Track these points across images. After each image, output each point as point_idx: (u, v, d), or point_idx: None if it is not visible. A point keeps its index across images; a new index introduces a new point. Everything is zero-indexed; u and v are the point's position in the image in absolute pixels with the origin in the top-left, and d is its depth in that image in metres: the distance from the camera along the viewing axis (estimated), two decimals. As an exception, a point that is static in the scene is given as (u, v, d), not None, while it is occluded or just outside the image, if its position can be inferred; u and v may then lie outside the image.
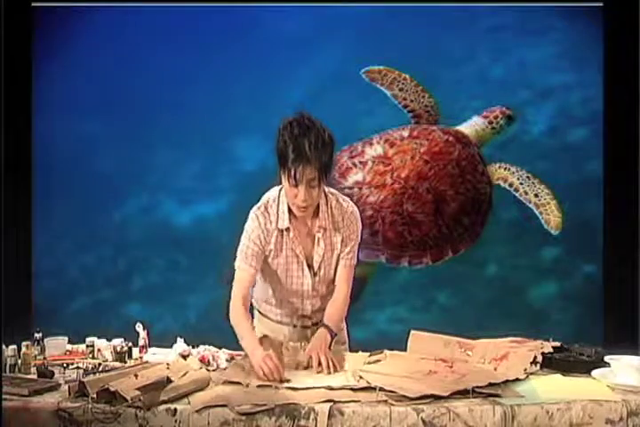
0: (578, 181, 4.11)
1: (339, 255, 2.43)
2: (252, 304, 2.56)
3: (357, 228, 2.44)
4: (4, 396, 1.95)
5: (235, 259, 2.42)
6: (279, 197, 2.39)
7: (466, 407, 1.91)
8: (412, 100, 4.01)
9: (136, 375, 1.97)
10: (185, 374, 2.04)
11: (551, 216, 3.85)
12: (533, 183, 3.88)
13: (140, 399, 1.89)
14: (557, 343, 2.36)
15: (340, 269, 2.44)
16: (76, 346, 2.48)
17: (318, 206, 2.38)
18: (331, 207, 2.41)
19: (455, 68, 4.24)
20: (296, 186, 2.24)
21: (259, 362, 2.13)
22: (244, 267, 2.38)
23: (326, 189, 2.41)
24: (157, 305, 4.40)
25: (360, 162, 3.93)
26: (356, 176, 3.92)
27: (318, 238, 2.40)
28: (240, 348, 2.36)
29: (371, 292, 4.00)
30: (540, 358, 2.23)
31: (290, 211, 2.36)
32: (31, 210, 4.06)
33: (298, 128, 2.21)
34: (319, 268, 2.42)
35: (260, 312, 2.58)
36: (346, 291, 2.44)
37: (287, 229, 2.38)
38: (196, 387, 2.02)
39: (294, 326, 2.50)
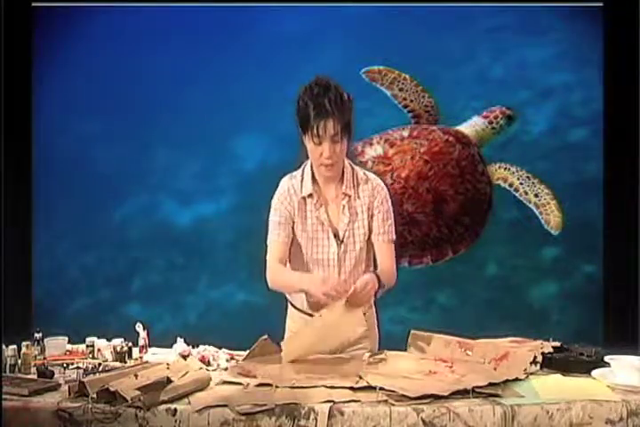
0: (578, 181, 4.11)
1: (365, 229, 2.43)
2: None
3: (387, 200, 2.47)
4: (4, 396, 1.95)
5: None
6: (303, 168, 2.45)
7: (466, 407, 1.91)
8: (411, 100, 4.01)
9: (136, 375, 1.96)
10: (185, 374, 2.04)
11: (551, 216, 3.85)
12: (533, 183, 3.88)
13: (139, 399, 1.88)
14: (557, 343, 2.35)
15: (379, 246, 2.45)
16: (75, 346, 2.48)
17: (343, 175, 2.42)
18: (356, 177, 2.45)
19: (455, 68, 4.24)
20: (320, 143, 2.30)
21: (323, 292, 2.19)
22: (274, 238, 2.40)
23: (351, 162, 2.46)
24: (157, 305, 4.41)
25: (360, 162, 3.93)
26: (355, 176, 3.92)
27: (343, 206, 2.42)
28: (240, 348, 2.37)
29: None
30: (539, 358, 2.23)
31: (313, 179, 2.41)
32: (31, 210, 4.06)
33: (317, 88, 2.30)
34: (344, 236, 2.42)
35: (291, 304, 2.56)
36: (389, 264, 2.43)
37: (310, 196, 2.41)
38: (196, 387, 2.02)
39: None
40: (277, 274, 2.39)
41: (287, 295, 2.56)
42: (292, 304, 2.56)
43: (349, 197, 2.43)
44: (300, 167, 2.48)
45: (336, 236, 2.42)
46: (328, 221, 2.42)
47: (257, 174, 4.47)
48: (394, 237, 2.48)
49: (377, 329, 2.57)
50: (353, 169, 2.46)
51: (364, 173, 2.48)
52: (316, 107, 2.27)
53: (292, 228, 2.42)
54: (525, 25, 4.21)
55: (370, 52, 4.14)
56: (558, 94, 4.27)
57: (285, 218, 2.41)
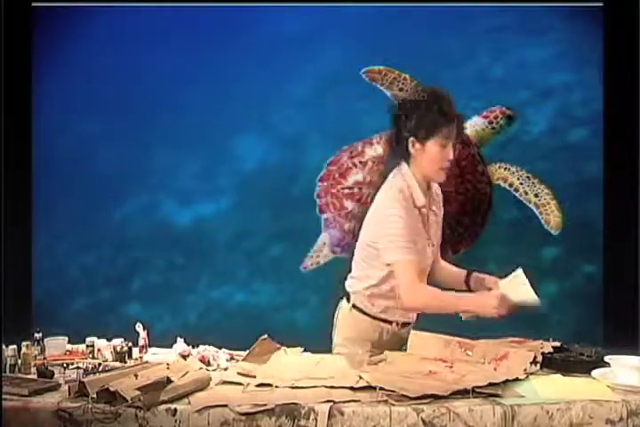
0: (578, 181, 4.11)
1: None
2: (348, 298, 2.52)
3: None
4: (4, 396, 1.95)
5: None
6: (404, 178, 2.40)
7: (466, 407, 1.91)
8: (411, 100, 4.00)
9: (136, 375, 1.97)
10: (185, 374, 2.04)
11: (551, 216, 3.84)
12: (533, 183, 3.87)
13: (139, 399, 1.88)
14: (557, 343, 2.36)
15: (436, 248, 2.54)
16: (75, 346, 2.48)
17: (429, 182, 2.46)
18: (433, 185, 2.51)
19: (455, 68, 4.24)
20: (446, 146, 2.35)
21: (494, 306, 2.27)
22: (409, 257, 2.31)
23: None
24: (157, 305, 4.41)
25: (360, 162, 3.92)
26: (356, 176, 3.91)
27: (433, 211, 2.47)
28: (240, 348, 2.36)
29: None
30: (539, 358, 2.23)
31: (420, 187, 2.41)
32: (31, 210, 4.06)
33: (440, 92, 2.39)
34: (435, 241, 2.49)
35: (356, 307, 2.50)
36: None
37: (423, 206, 2.41)
38: (196, 387, 2.02)
39: (396, 324, 2.47)
40: (430, 296, 2.32)
41: (360, 302, 2.50)
42: (358, 308, 2.50)
43: (435, 201, 2.49)
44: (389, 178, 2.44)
45: (431, 241, 2.47)
46: (429, 227, 2.46)
47: (257, 174, 4.47)
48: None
49: None
50: None
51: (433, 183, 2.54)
52: (447, 110, 2.34)
53: None
54: (525, 25, 4.21)
55: (370, 52, 4.14)
56: (558, 94, 4.27)
57: (412, 233, 2.33)
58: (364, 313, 2.49)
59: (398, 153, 2.41)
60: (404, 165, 2.41)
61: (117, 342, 2.40)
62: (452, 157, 2.37)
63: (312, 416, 1.89)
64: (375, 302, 2.47)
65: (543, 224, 3.84)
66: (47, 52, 4.14)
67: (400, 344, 2.44)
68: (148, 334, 2.45)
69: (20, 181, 3.92)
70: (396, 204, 2.34)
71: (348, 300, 2.53)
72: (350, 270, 2.55)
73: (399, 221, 2.32)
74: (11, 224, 3.40)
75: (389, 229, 2.32)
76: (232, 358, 2.33)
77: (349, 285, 2.54)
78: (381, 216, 2.36)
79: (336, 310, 2.59)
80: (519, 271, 2.33)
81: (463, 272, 2.56)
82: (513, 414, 1.91)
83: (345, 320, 2.54)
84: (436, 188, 2.53)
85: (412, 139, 2.36)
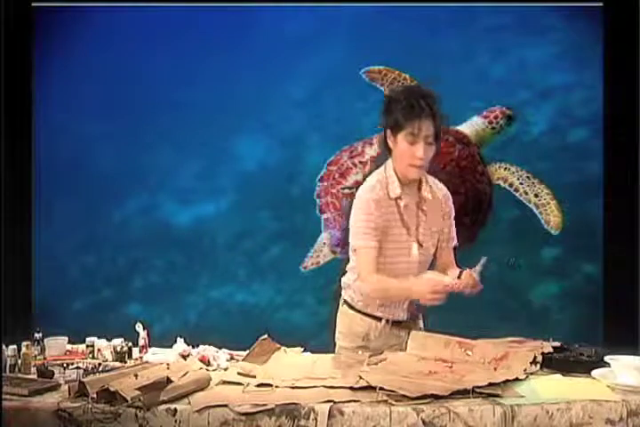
0: (578, 181, 4.11)
1: (439, 234, 2.49)
2: (340, 293, 2.55)
3: (452, 206, 2.54)
4: (4, 396, 1.95)
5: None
6: (385, 170, 2.43)
7: (466, 407, 1.91)
8: (411, 100, 4.00)
9: (136, 375, 1.97)
10: (185, 374, 2.04)
11: (551, 216, 3.84)
12: (533, 183, 3.87)
13: (139, 399, 1.88)
14: (557, 343, 2.36)
15: (447, 251, 2.51)
16: (75, 346, 2.48)
17: (420, 179, 2.45)
18: (430, 182, 2.48)
19: (455, 68, 4.24)
20: (414, 143, 2.33)
21: (427, 292, 2.27)
22: (366, 244, 2.36)
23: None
24: (157, 305, 4.41)
25: (360, 162, 3.93)
26: (356, 176, 3.92)
27: (423, 210, 2.45)
28: (240, 348, 2.36)
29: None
30: (539, 358, 2.23)
31: (399, 181, 2.41)
32: (32, 210, 4.06)
33: (416, 89, 2.43)
34: (424, 240, 2.45)
35: (347, 304, 2.53)
36: (455, 269, 2.45)
37: (399, 198, 2.41)
38: (196, 387, 2.02)
39: (386, 321, 2.47)
40: (379, 284, 2.37)
41: (348, 297, 2.53)
42: (348, 302, 2.53)
43: (426, 201, 2.46)
44: (374, 170, 2.47)
45: (417, 240, 2.44)
46: (411, 225, 2.43)
47: (257, 174, 4.47)
48: (457, 243, 2.54)
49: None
50: (426, 177, 2.49)
51: (434, 180, 2.52)
52: (416, 106, 2.32)
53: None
54: (525, 25, 4.21)
55: (370, 52, 4.14)
56: (558, 94, 4.27)
57: (377, 222, 2.37)
58: (353, 308, 2.52)
59: (383, 147, 2.45)
60: (389, 159, 2.44)
61: (117, 342, 2.40)
62: (421, 155, 2.34)
63: (312, 416, 1.89)
64: (358, 296, 2.50)
65: (543, 224, 3.84)
66: (47, 52, 4.14)
67: (394, 344, 2.45)
68: (148, 334, 2.45)
69: (21, 181, 3.92)
70: (370, 193, 2.39)
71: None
72: None
73: (366, 209, 2.37)
74: (11, 224, 3.40)
75: (357, 216, 2.39)
76: (232, 358, 2.33)
77: (343, 279, 2.56)
78: (355, 204, 2.42)
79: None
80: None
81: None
82: (513, 415, 1.91)
83: (339, 314, 2.57)
84: (435, 189, 2.50)
85: (388, 133, 2.39)
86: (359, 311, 2.50)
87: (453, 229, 2.53)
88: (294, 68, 4.40)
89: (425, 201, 2.46)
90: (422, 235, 2.45)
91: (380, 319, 2.47)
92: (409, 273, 2.39)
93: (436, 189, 2.51)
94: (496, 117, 3.95)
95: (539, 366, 2.22)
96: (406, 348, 2.37)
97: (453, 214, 2.54)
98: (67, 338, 2.47)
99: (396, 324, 2.49)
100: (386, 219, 2.39)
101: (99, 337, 2.46)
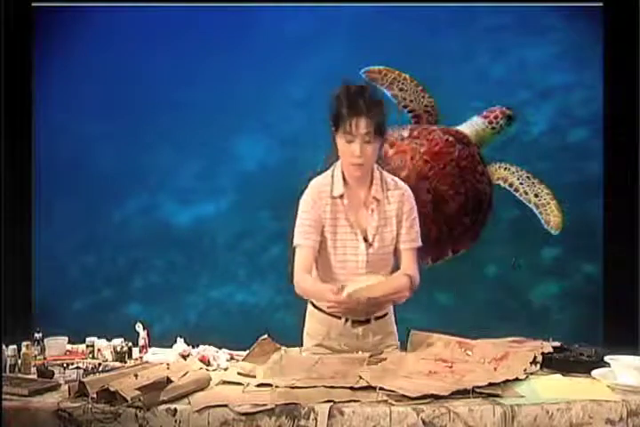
0: (578, 181, 4.11)
1: (394, 234, 2.45)
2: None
3: (414, 207, 2.49)
4: (4, 396, 1.95)
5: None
6: (333, 169, 2.45)
7: (466, 407, 1.91)
8: (411, 101, 4.00)
9: (136, 375, 1.96)
10: (185, 374, 2.04)
11: (551, 216, 3.84)
12: (533, 183, 3.87)
13: (139, 399, 1.88)
14: (557, 343, 2.35)
15: (405, 252, 2.46)
16: (75, 346, 2.48)
17: (372, 179, 2.43)
18: (385, 182, 2.46)
19: (455, 68, 4.24)
20: (351, 141, 2.33)
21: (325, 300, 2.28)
22: (303, 242, 2.39)
23: (379, 168, 2.47)
24: (157, 305, 4.41)
25: (360, 162, 3.92)
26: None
27: (372, 209, 2.43)
28: (240, 348, 2.36)
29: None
30: (539, 358, 2.23)
31: (344, 180, 2.42)
32: (31, 210, 4.06)
33: (354, 87, 2.37)
34: (373, 240, 2.42)
35: (312, 303, 2.54)
36: (415, 270, 2.44)
37: (341, 197, 2.41)
38: (196, 387, 2.02)
39: (346, 320, 2.44)
40: (302, 284, 2.38)
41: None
42: (314, 304, 2.54)
43: (378, 201, 2.43)
44: (329, 168, 2.48)
45: (365, 239, 2.42)
46: (358, 224, 2.42)
47: (257, 174, 4.47)
48: (420, 243, 2.49)
49: (396, 335, 2.58)
50: (382, 174, 2.47)
51: (393, 179, 2.49)
52: (351, 104, 2.32)
53: (322, 230, 2.41)
54: (525, 25, 4.22)
55: (370, 52, 4.14)
56: (558, 94, 4.27)
57: (316, 220, 2.40)
58: (316, 307, 2.52)
59: (333, 146, 2.43)
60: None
61: (117, 342, 2.40)
62: (358, 153, 2.33)
63: (312, 416, 1.89)
64: None
65: (543, 224, 3.84)
66: (47, 52, 4.14)
67: (357, 345, 2.44)
68: (148, 334, 2.45)
69: (21, 181, 3.92)
70: (308, 192, 2.44)
71: None
72: None
73: (304, 207, 2.42)
74: (11, 224, 3.40)
75: (298, 214, 2.44)
76: (232, 358, 2.33)
77: None
78: (300, 203, 2.46)
79: None
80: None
81: None
82: (513, 415, 1.91)
83: (307, 315, 2.58)
84: (391, 188, 2.46)
85: (333, 131, 2.39)
86: (321, 310, 2.49)
87: (414, 230, 2.47)
88: (294, 68, 4.40)
89: (376, 200, 2.43)
90: (371, 234, 2.42)
91: (339, 318, 2.45)
92: (358, 272, 2.40)
93: (392, 189, 2.46)
94: (496, 117, 3.95)
95: (539, 366, 2.22)
96: (365, 347, 2.40)
97: (415, 215, 2.48)
98: (67, 338, 2.47)
99: (361, 324, 2.47)
100: (331, 217, 2.40)
101: (99, 337, 2.45)
